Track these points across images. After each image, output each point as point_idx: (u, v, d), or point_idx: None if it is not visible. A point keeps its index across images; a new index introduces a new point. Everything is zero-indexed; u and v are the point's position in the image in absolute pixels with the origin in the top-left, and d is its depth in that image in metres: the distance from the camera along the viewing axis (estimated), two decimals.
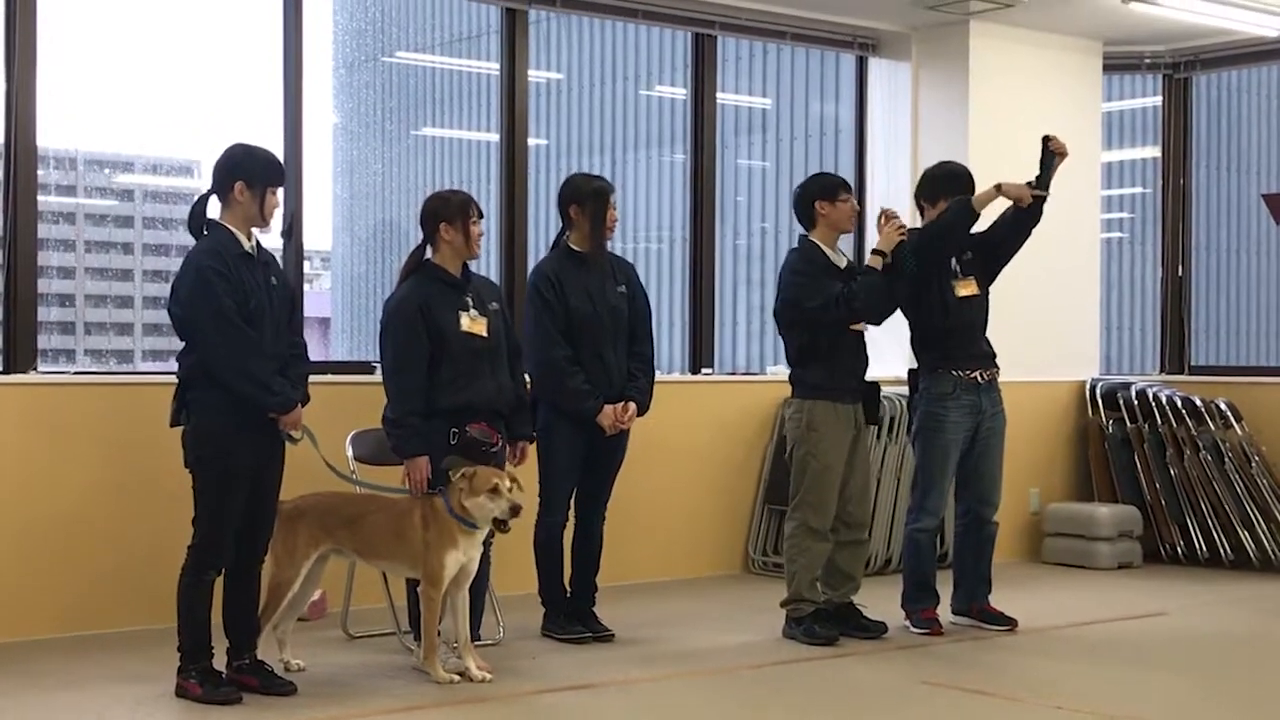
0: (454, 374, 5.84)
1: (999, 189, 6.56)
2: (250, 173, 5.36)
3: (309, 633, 6.37)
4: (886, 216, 6.56)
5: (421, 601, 5.63)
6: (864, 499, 6.73)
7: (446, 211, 5.94)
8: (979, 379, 6.72)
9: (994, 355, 6.82)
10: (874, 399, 6.64)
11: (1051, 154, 6.67)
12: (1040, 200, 6.67)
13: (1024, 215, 6.69)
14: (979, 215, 6.59)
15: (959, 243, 6.67)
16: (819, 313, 6.46)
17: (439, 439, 5.80)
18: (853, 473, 6.60)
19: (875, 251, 6.52)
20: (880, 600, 6.87)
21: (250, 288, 5.30)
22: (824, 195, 6.62)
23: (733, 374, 9.64)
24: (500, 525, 5.59)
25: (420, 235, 6.08)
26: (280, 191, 5.47)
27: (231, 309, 5.21)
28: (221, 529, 5.32)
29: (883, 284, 6.46)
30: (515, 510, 5.56)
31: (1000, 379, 6.92)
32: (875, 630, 6.61)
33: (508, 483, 5.58)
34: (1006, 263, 6.85)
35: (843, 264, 6.61)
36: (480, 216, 6.00)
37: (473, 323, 5.89)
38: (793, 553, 6.57)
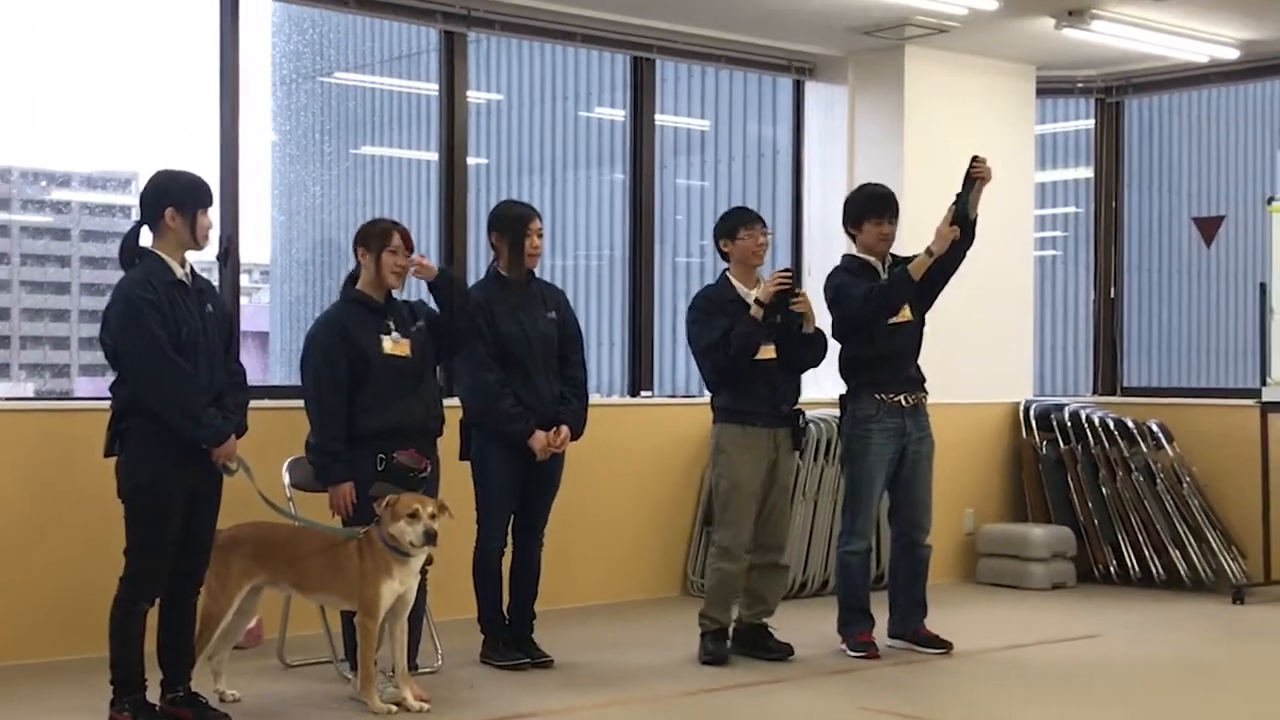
0: (379, 396, 5.84)
1: (929, 254, 6.62)
2: (178, 197, 5.32)
3: (245, 662, 6.33)
4: (782, 274, 6.57)
5: (358, 632, 5.61)
6: (780, 522, 6.77)
7: (364, 239, 5.97)
8: (904, 403, 6.77)
9: (922, 380, 6.88)
10: (795, 425, 6.70)
11: (972, 178, 6.68)
12: (965, 223, 6.71)
13: (957, 238, 6.74)
14: (916, 282, 6.65)
15: (896, 311, 6.72)
16: (708, 351, 6.60)
17: (368, 464, 5.78)
18: (771, 496, 6.66)
19: (756, 302, 6.56)
20: (818, 621, 6.90)
21: (183, 316, 5.27)
22: (724, 234, 6.75)
23: (672, 396, 9.68)
24: (424, 546, 5.54)
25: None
26: (211, 212, 5.42)
27: (163, 339, 5.17)
28: (155, 559, 5.27)
29: (757, 333, 6.51)
30: (429, 536, 5.50)
31: (935, 400, 6.99)
32: (780, 653, 6.67)
33: (429, 508, 5.54)
34: (943, 287, 6.90)
35: (753, 297, 6.60)
36: (408, 248, 5.97)
37: (395, 345, 5.90)
38: (707, 571, 6.72)
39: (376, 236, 5.94)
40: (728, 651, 6.64)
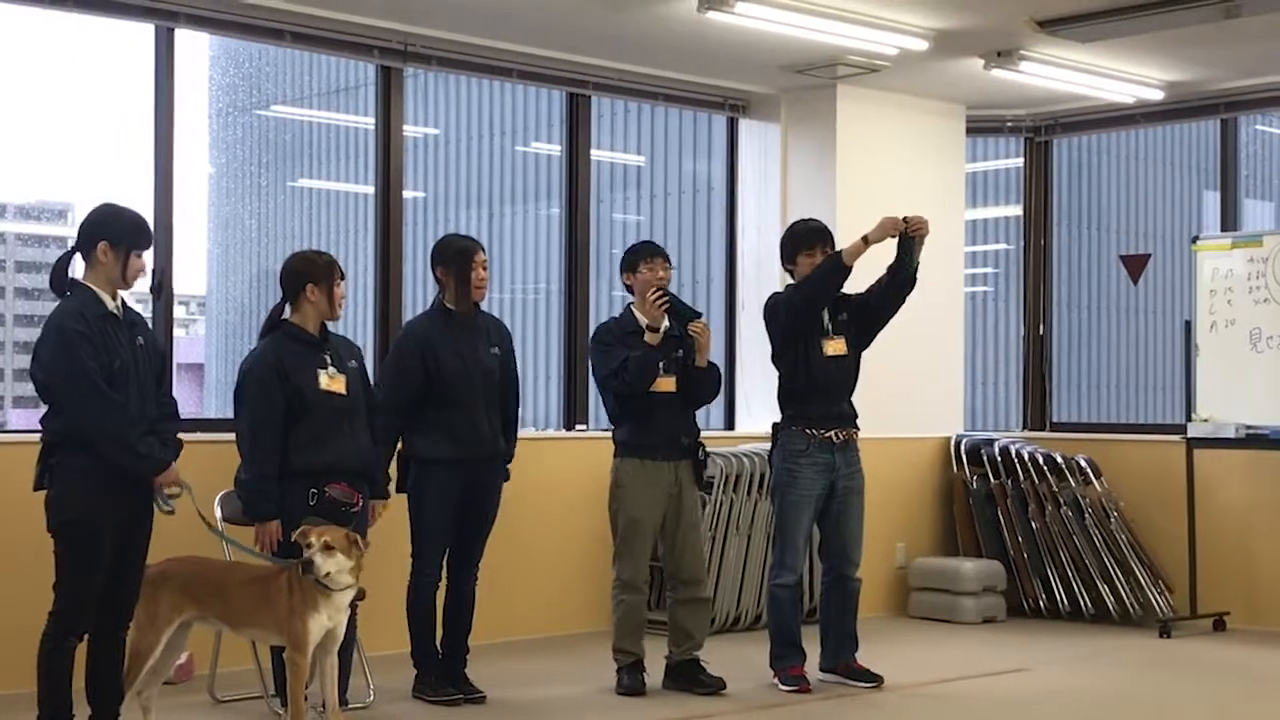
0: (314, 434, 5.83)
1: (866, 240, 6.67)
2: (115, 234, 5.29)
3: (175, 697, 6.28)
4: (655, 293, 6.65)
5: (287, 667, 5.57)
6: (694, 556, 6.82)
7: (312, 273, 5.94)
8: (834, 438, 6.83)
9: (854, 417, 6.94)
10: (696, 457, 6.77)
11: (911, 240, 6.74)
12: (907, 270, 6.77)
13: (897, 282, 6.81)
14: (850, 269, 6.71)
15: (831, 296, 6.78)
16: (608, 380, 6.68)
17: (299, 500, 5.77)
18: (678, 530, 6.71)
19: (648, 328, 6.63)
20: (750, 655, 6.91)
21: (115, 348, 5.23)
22: (626, 267, 6.85)
23: (608, 430, 9.67)
24: (306, 568, 5.42)
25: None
26: (146, 254, 5.41)
27: (95, 372, 5.13)
28: (84, 595, 5.22)
29: (653, 358, 6.59)
30: (306, 566, 5.39)
31: (867, 434, 7.05)
32: (713, 687, 6.71)
33: (323, 538, 5.43)
34: (881, 327, 6.97)
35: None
36: (342, 278, 6.00)
37: (331, 380, 5.89)
38: (612, 605, 6.76)
39: (324, 270, 5.93)
40: (643, 683, 6.68)
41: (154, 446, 5.27)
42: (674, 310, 6.65)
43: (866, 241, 6.66)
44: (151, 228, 5.48)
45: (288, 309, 5.99)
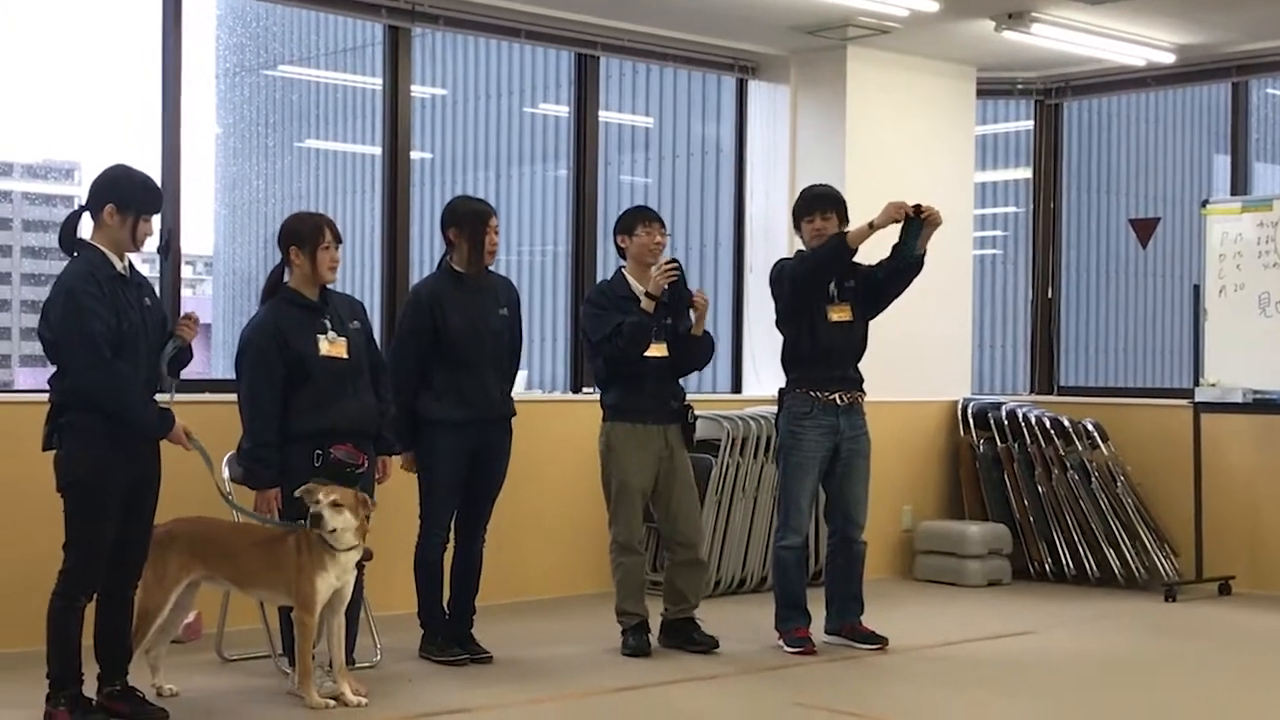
0: (316, 398, 5.82)
1: (871, 226, 6.68)
2: (124, 197, 5.29)
3: (183, 656, 6.31)
4: (669, 264, 6.65)
5: (295, 627, 5.60)
6: (688, 518, 6.85)
7: (298, 235, 5.90)
8: (838, 401, 6.83)
9: (860, 380, 6.94)
10: (685, 420, 6.79)
11: (921, 221, 6.72)
12: (907, 254, 6.76)
13: (901, 265, 6.82)
14: (854, 251, 6.71)
15: (833, 276, 6.79)
16: (601, 344, 6.68)
17: (304, 462, 5.78)
18: (673, 493, 6.74)
19: (647, 294, 6.64)
20: (756, 618, 6.93)
21: (124, 309, 5.24)
22: (622, 230, 6.84)
23: None
24: (315, 521, 5.48)
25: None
26: (156, 219, 5.41)
27: (102, 334, 5.14)
28: (93, 554, 5.25)
29: (648, 324, 6.60)
30: (314, 519, 5.47)
31: (874, 398, 7.06)
32: (706, 645, 6.76)
33: (330, 496, 5.50)
34: (887, 304, 6.98)
35: (647, 291, 6.65)
36: (337, 241, 5.95)
37: (331, 345, 5.87)
38: (612, 569, 6.78)
39: (311, 233, 5.90)
40: (648, 644, 6.72)
41: (155, 407, 5.28)
42: (678, 282, 6.64)
43: (872, 227, 6.68)
44: (161, 190, 5.47)
45: (288, 272, 5.97)
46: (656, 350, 6.69)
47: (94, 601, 5.37)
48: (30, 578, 5.80)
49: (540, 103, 18.24)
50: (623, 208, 7.02)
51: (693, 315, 6.76)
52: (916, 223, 6.71)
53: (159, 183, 5.60)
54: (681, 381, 7.00)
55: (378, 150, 8.35)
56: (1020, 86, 10.11)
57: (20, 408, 6.57)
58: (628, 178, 16.66)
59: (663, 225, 6.87)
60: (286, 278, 5.96)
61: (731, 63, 9.40)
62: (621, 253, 6.87)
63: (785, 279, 6.85)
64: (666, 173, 16.57)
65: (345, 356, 5.90)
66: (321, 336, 5.86)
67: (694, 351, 6.83)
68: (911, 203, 6.70)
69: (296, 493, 5.58)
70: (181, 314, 5.63)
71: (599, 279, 8.95)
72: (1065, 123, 10.32)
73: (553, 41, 8.75)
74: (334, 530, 5.49)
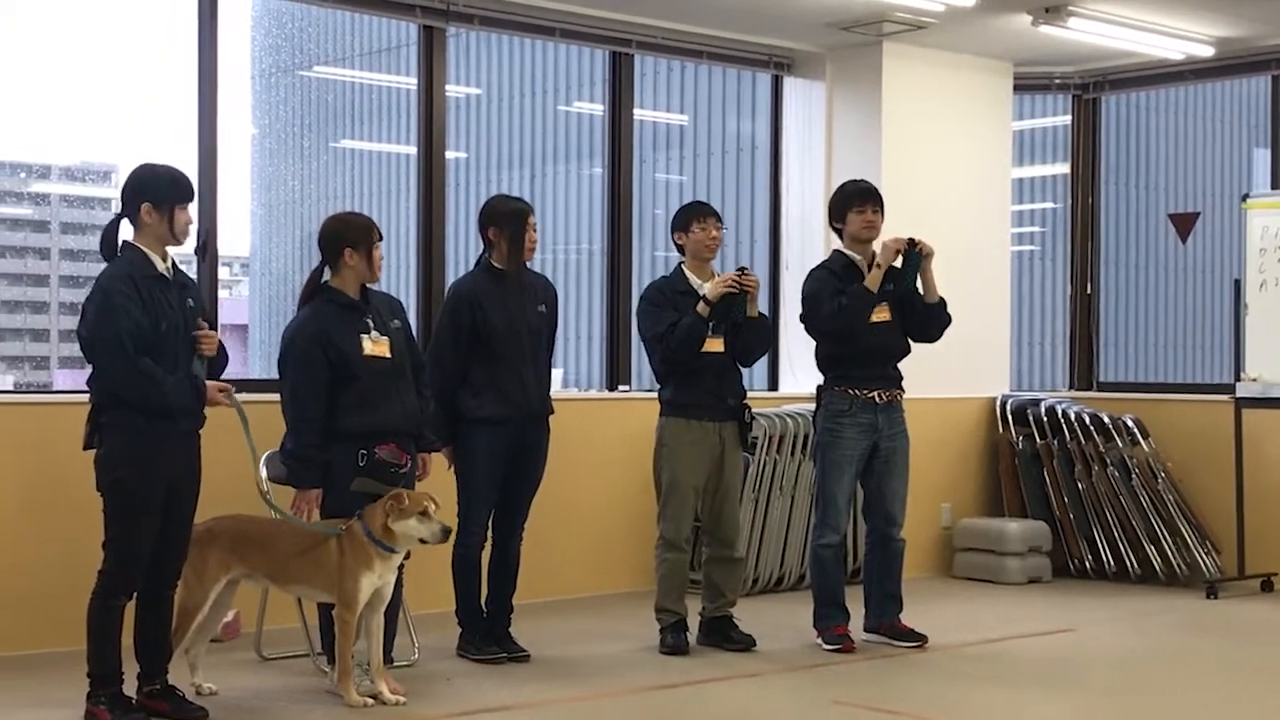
0: (361, 397, 5.82)
1: (879, 266, 6.70)
2: (155, 193, 5.31)
3: (222, 655, 6.33)
4: (743, 275, 6.61)
5: (336, 625, 5.61)
6: (730, 517, 6.83)
7: (350, 236, 5.89)
8: (877, 399, 6.80)
9: (899, 378, 6.91)
10: (742, 419, 6.76)
11: (918, 255, 6.72)
12: (910, 289, 6.76)
13: (932, 315, 6.84)
14: (876, 295, 6.70)
15: (865, 322, 6.75)
16: (654, 342, 6.68)
17: (348, 461, 5.78)
18: (718, 491, 6.72)
19: (703, 299, 6.60)
20: (793, 616, 6.91)
21: (163, 309, 5.27)
22: (678, 227, 6.82)
23: (650, 391, 9.66)
24: (445, 535, 5.63)
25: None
26: (191, 207, 5.41)
27: (130, 331, 5.15)
28: (133, 553, 5.28)
29: (700, 328, 6.57)
30: (446, 533, 5.61)
31: (913, 395, 7.03)
32: (743, 643, 6.74)
33: (426, 504, 5.59)
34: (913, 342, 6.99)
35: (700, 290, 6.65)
36: (380, 239, 5.97)
37: (375, 345, 5.87)
38: (655, 564, 6.77)
39: (364, 233, 5.88)
40: (686, 643, 6.70)
41: (185, 382, 5.27)
42: (736, 293, 6.60)
43: (879, 267, 6.69)
44: (190, 178, 5.47)
45: (327, 272, 5.97)
46: (713, 345, 6.65)
47: (134, 601, 5.39)
48: (72, 578, 5.84)
49: (575, 101, 18.23)
50: (658, 206, 7.02)
51: (746, 299, 6.67)
52: (915, 256, 6.71)
53: (195, 183, 5.61)
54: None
55: (413, 150, 8.36)
56: (1057, 81, 10.05)
57: (59, 408, 6.62)
58: (663, 176, 16.64)
59: (719, 220, 6.84)
60: (326, 277, 5.96)
61: (766, 59, 9.37)
62: (680, 249, 6.84)
63: (817, 324, 6.82)
64: (701, 170, 16.54)
65: (388, 356, 5.90)
66: (365, 336, 5.86)
67: (751, 338, 6.78)
68: (905, 236, 6.72)
69: (386, 505, 5.57)
70: (197, 331, 5.46)
71: (635, 277, 8.98)
72: (1103, 117, 10.26)
73: (587, 40, 8.74)
74: (423, 541, 5.57)
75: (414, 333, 6.42)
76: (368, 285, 5.98)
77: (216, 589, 5.64)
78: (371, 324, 5.90)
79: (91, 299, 5.26)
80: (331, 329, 5.82)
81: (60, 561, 6.41)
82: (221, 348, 5.55)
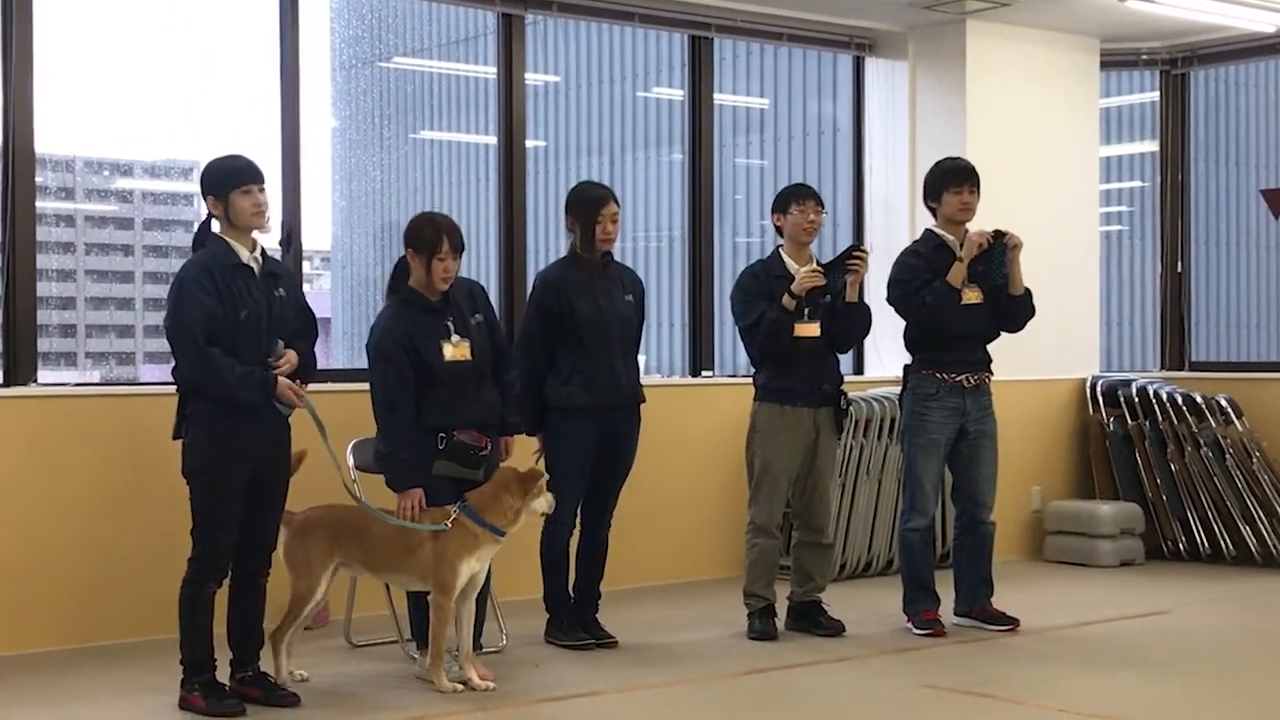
0: (441, 400, 5.79)
1: (961, 260, 6.65)
2: (212, 185, 5.37)
3: (312, 642, 6.38)
4: (812, 271, 6.54)
5: (432, 610, 5.61)
6: (821, 503, 6.78)
7: (414, 240, 5.82)
8: (965, 383, 6.73)
9: (988, 361, 6.84)
10: (838, 405, 6.70)
11: (1003, 247, 6.64)
12: (997, 282, 6.70)
13: (1015, 307, 6.77)
14: (959, 289, 6.64)
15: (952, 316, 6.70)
16: (747, 331, 6.64)
17: (428, 444, 5.78)
18: (810, 476, 6.67)
19: (789, 293, 6.53)
20: (882, 601, 6.85)
21: (243, 298, 5.29)
22: (777, 209, 6.75)
23: (733, 376, 9.63)
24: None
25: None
26: (253, 190, 5.34)
27: (200, 321, 5.19)
28: (220, 540, 5.32)
29: (785, 321, 6.51)
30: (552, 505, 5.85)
31: (1002, 377, 6.97)
32: (832, 629, 6.70)
33: (540, 482, 5.78)
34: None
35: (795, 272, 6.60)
36: (456, 251, 5.78)
37: (455, 349, 5.82)
38: (746, 549, 6.73)
39: (427, 243, 5.78)
40: (775, 628, 6.67)
41: (251, 372, 5.26)
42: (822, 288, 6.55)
43: (962, 260, 6.63)
44: (253, 162, 5.44)
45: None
46: (808, 330, 6.58)
47: (226, 589, 5.44)
48: (163, 567, 5.90)
49: (654, 87, 18.19)
50: (739, 191, 6.98)
51: (847, 279, 6.62)
52: (1001, 248, 6.62)
53: (278, 176, 5.64)
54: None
55: (493, 139, 8.37)
56: (1145, 57, 9.89)
57: (146, 399, 6.70)
58: (743, 160, 16.56)
59: (819, 203, 6.74)
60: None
61: (848, 40, 9.29)
62: (778, 230, 6.78)
63: (903, 313, 6.80)
64: (783, 154, 16.44)
65: (469, 358, 5.86)
66: (445, 341, 5.81)
67: (848, 324, 6.71)
68: (990, 229, 6.64)
69: (518, 485, 5.70)
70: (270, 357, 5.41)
71: (716, 262, 8.94)
72: (1192, 93, 10.08)
73: (666, 24, 8.70)
74: (544, 515, 5.85)
75: (497, 316, 6.39)
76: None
77: (327, 576, 5.66)
78: (452, 326, 5.83)
79: (170, 291, 5.32)
80: (413, 334, 5.77)
81: (151, 551, 6.48)
82: (308, 358, 5.52)
